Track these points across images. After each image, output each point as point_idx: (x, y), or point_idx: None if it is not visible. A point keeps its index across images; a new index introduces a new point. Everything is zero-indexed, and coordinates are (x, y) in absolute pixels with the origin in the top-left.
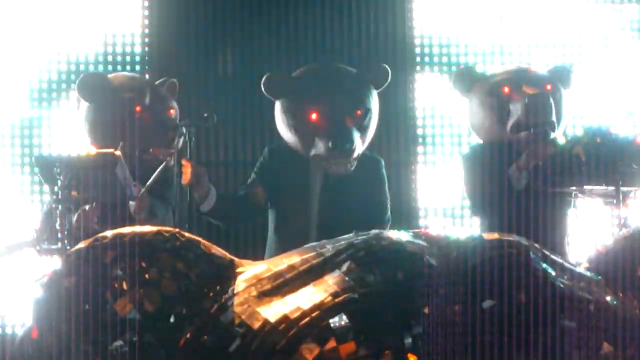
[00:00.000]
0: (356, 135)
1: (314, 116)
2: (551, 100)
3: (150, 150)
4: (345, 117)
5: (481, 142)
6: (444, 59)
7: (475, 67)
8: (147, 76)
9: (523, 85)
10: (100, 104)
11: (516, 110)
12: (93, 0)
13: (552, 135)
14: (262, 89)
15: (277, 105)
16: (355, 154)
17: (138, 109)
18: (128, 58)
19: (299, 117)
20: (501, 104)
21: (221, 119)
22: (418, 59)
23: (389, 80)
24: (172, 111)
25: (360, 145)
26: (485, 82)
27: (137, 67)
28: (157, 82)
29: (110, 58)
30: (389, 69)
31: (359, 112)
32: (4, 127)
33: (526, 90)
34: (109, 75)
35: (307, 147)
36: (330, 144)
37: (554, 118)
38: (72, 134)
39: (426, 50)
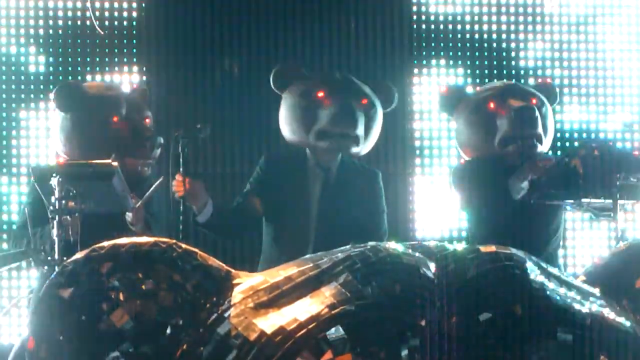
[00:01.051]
0: (361, 122)
1: (320, 94)
2: (537, 113)
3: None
4: (351, 101)
5: (469, 159)
6: (442, 70)
7: (459, 87)
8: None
9: (508, 99)
10: (76, 114)
11: (502, 124)
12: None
13: (540, 147)
14: (271, 80)
15: (284, 96)
16: (359, 135)
17: (115, 119)
18: (125, 62)
19: (307, 96)
20: (487, 120)
21: (217, 129)
22: (416, 70)
23: (395, 102)
24: (147, 120)
25: (361, 135)
26: (470, 100)
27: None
28: (128, 91)
29: (107, 61)
30: (395, 92)
31: (364, 100)
32: None
33: (512, 103)
34: (85, 84)
35: (311, 125)
36: (335, 112)
37: (540, 130)
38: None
39: (424, 61)
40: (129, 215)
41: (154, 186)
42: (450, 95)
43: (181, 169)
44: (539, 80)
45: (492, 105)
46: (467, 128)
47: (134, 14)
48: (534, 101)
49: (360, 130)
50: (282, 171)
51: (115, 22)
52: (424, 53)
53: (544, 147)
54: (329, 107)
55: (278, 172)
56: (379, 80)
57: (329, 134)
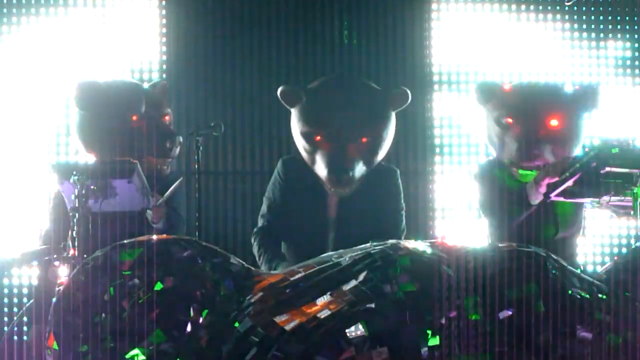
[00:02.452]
0: (358, 162)
1: (318, 138)
2: (546, 137)
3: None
4: (348, 145)
5: (491, 158)
6: (462, 73)
7: (496, 83)
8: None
9: (521, 117)
10: (94, 111)
11: (509, 144)
12: (111, 12)
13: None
14: (279, 96)
15: (293, 113)
16: (356, 180)
17: (134, 117)
18: (145, 65)
19: (306, 135)
20: (502, 133)
21: (236, 128)
22: (436, 78)
23: (408, 102)
24: (167, 117)
25: (362, 170)
26: (499, 102)
27: (154, 75)
28: (148, 85)
29: (127, 65)
30: (409, 93)
31: (364, 139)
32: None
33: (524, 127)
34: (104, 81)
35: (312, 163)
36: (327, 173)
37: (548, 154)
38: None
39: (444, 68)
40: (149, 213)
41: (174, 185)
42: (486, 88)
43: (197, 166)
44: (577, 87)
45: (509, 120)
46: (491, 127)
47: (155, 12)
48: (554, 123)
49: (357, 172)
50: (299, 174)
51: (136, 21)
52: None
53: (568, 152)
54: (324, 159)
55: (296, 174)
56: (391, 86)
57: (327, 180)
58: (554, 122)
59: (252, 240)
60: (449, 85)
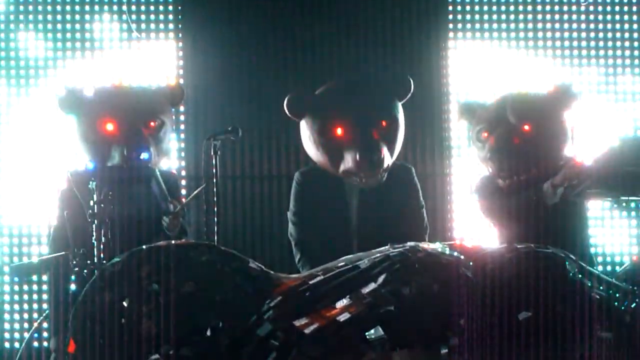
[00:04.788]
0: (383, 146)
1: (339, 131)
2: (522, 143)
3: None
4: (370, 129)
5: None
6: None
7: (476, 101)
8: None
9: (495, 129)
10: (76, 118)
11: (487, 156)
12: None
13: (528, 177)
14: (285, 109)
15: (302, 125)
16: (385, 164)
17: (107, 123)
18: (162, 70)
19: (325, 133)
20: (482, 150)
21: (248, 132)
22: (452, 68)
23: (412, 90)
24: (152, 124)
25: (388, 156)
26: (477, 119)
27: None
28: (154, 88)
29: (144, 69)
30: (411, 80)
31: (384, 122)
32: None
33: (498, 139)
34: (91, 87)
35: (336, 163)
36: (357, 157)
37: (524, 164)
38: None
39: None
40: (165, 220)
41: (195, 192)
42: (465, 108)
43: (214, 170)
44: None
45: (485, 134)
46: (478, 149)
47: (170, 16)
48: (526, 127)
49: (385, 157)
50: (318, 182)
51: (153, 34)
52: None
53: (559, 157)
54: (351, 147)
55: (315, 184)
56: (395, 71)
57: (356, 174)
58: (527, 128)
59: (298, 264)
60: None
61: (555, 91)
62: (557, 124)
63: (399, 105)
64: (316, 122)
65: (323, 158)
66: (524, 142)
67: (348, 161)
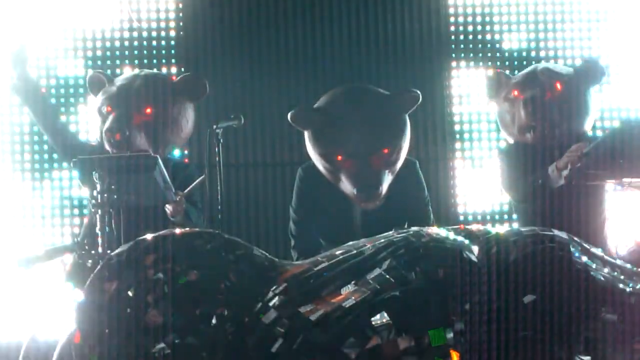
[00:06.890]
0: (384, 173)
1: (339, 157)
2: (552, 98)
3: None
4: (370, 159)
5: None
6: (480, 54)
7: (502, 73)
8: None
9: (527, 87)
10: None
11: (519, 112)
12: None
13: (558, 133)
14: (289, 120)
15: (306, 135)
16: (385, 190)
17: (108, 109)
18: (163, 53)
19: (326, 156)
20: (511, 107)
21: (250, 119)
22: (454, 54)
23: (419, 102)
24: (148, 110)
25: (389, 179)
26: (506, 87)
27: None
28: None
29: (145, 53)
30: (419, 93)
31: (385, 150)
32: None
33: (530, 91)
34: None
35: (336, 182)
36: (355, 191)
37: (555, 116)
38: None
39: (461, 45)
40: (168, 208)
41: (197, 181)
42: (493, 80)
43: (217, 159)
44: (580, 62)
45: (515, 92)
46: (502, 114)
47: (172, 14)
48: (558, 86)
49: (384, 184)
50: (321, 179)
51: (154, 23)
52: (462, 37)
53: (581, 128)
54: (350, 177)
55: (317, 180)
56: (402, 88)
57: (356, 198)
58: (558, 86)
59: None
60: (467, 60)
61: (584, 65)
62: (584, 99)
63: (406, 119)
64: (318, 141)
65: (324, 171)
66: (556, 97)
67: (347, 187)
